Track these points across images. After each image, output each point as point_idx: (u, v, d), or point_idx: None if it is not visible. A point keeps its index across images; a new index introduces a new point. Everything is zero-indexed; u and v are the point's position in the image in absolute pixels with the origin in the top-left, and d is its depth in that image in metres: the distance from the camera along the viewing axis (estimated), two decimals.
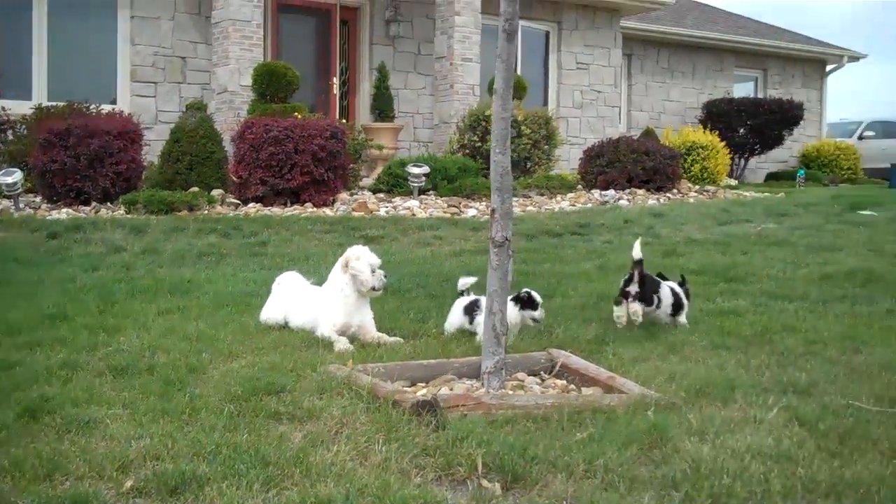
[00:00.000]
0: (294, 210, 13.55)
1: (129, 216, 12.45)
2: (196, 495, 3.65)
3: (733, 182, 22.07)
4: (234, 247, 10.80)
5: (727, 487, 3.73)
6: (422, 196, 15.19)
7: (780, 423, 4.61)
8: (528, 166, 17.93)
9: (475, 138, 17.72)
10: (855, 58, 30.51)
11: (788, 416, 4.72)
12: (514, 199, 15.39)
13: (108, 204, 13.28)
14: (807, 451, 4.21)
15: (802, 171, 24.37)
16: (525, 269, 9.42)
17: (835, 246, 11.44)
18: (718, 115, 24.65)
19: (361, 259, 6.54)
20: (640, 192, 17.13)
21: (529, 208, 14.94)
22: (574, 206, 15.61)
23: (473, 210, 14.36)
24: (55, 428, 4.43)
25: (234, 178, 14.23)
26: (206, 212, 13.05)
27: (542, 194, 16.45)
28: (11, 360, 5.61)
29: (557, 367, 5.80)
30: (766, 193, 19.07)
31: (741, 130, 24.60)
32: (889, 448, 4.26)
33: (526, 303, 6.49)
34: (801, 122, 25.96)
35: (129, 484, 3.76)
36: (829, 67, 30.72)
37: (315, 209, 13.71)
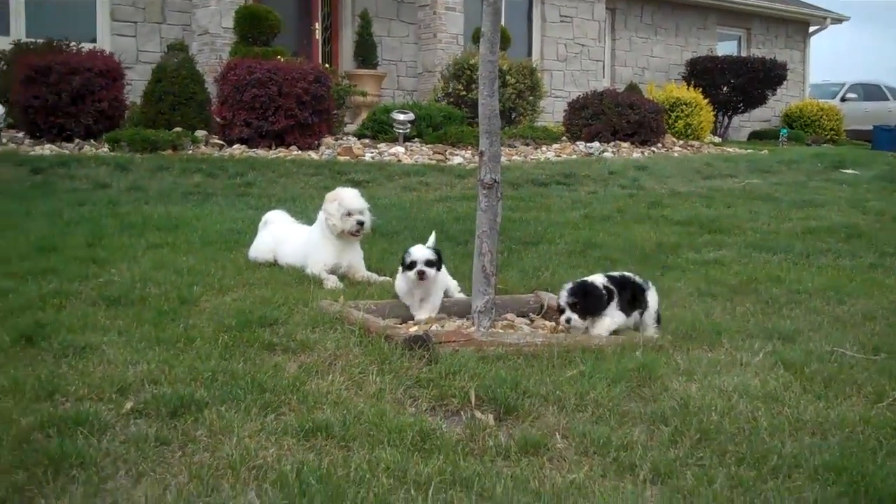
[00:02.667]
0: (279, 153, 13.50)
1: (113, 154, 12.36)
2: (195, 418, 3.70)
3: (717, 139, 22.13)
4: (220, 186, 10.77)
5: (715, 423, 3.81)
6: (407, 143, 15.15)
7: (766, 367, 4.70)
8: (512, 117, 17.92)
9: (459, 87, 17.67)
10: (838, 20, 30.53)
11: (774, 361, 4.80)
12: (501, 148, 15.41)
13: (92, 141, 13.18)
14: (793, 392, 4.30)
15: (785, 130, 24.44)
16: (512, 216, 9.46)
17: (818, 202, 11.56)
18: (702, 73, 24.61)
19: (335, 202, 6.52)
20: (625, 144, 17.16)
21: (515, 158, 14.94)
22: (559, 156, 15.63)
23: (459, 158, 14.35)
24: (52, 352, 4.46)
25: (218, 120, 14.14)
26: (190, 152, 12.97)
27: (527, 144, 16.44)
28: (3, 287, 5.62)
29: (545, 309, 5.86)
30: (750, 150, 19.15)
31: (725, 88, 24.59)
32: (873, 392, 4.35)
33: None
34: (785, 83, 26.01)
35: (128, 406, 3.80)
36: (812, 28, 30.74)
37: (300, 152, 13.67)
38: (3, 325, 4.84)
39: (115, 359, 4.38)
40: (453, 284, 6.07)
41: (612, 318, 5.26)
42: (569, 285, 5.28)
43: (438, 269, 5.60)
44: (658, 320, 5.45)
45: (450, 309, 5.70)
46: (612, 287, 5.30)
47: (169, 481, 3.17)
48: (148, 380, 4.10)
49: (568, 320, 5.22)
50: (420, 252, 5.57)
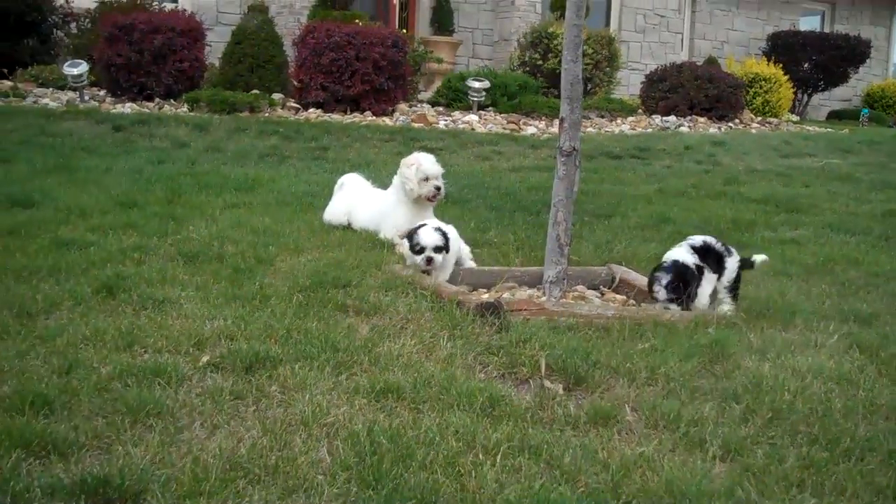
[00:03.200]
0: (354, 118, 13.57)
1: (192, 114, 12.56)
2: (270, 374, 3.77)
3: (795, 118, 21.67)
4: (296, 149, 10.88)
5: (788, 403, 3.77)
6: (481, 111, 15.11)
7: (841, 349, 4.62)
8: (588, 88, 17.73)
9: (536, 56, 17.52)
10: None
11: (849, 343, 4.72)
12: None
13: (171, 101, 13.39)
14: (867, 375, 4.22)
15: (866, 111, 23.82)
16: (585, 189, 9.37)
17: None
18: (783, 48, 24.02)
19: (413, 167, 6.52)
20: (702, 119, 16.91)
21: (589, 130, 14.82)
22: (634, 129, 15.47)
23: (533, 128, 14.28)
24: (131, 304, 4.57)
25: (295, 83, 14.25)
26: (266, 114, 13.12)
27: (602, 116, 16.29)
28: (86, 240, 5.76)
29: (617, 282, 5.83)
30: (830, 129, 18.73)
31: (805, 65, 23.99)
32: None
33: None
34: (868, 61, 25.28)
35: (205, 359, 3.89)
36: None
37: (374, 118, 13.72)
38: (86, 277, 4.97)
39: (193, 313, 4.47)
40: (466, 251, 6.04)
41: (707, 286, 5.25)
42: (664, 280, 5.15)
43: (447, 251, 5.54)
44: (735, 292, 5.35)
45: (520, 278, 5.70)
46: (700, 264, 5.24)
47: (242, 434, 3.24)
48: (224, 335, 4.18)
49: (667, 307, 5.14)
50: (429, 237, 5.49)
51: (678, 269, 5.19)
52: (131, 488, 2.80)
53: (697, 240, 5.42)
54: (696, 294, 5.20)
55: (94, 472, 2.86)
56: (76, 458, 3.01)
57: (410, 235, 5.57)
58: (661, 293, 5.16)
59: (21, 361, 3.76)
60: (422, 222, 5.78)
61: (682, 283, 5.14)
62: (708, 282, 5.27)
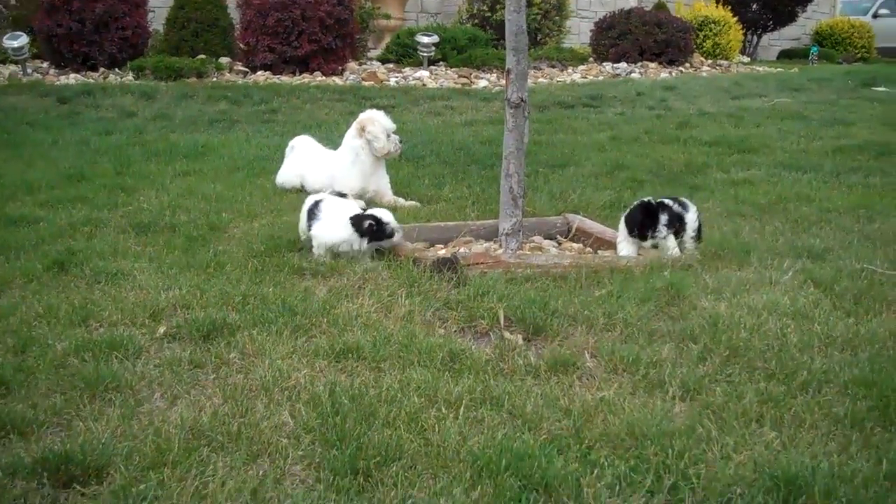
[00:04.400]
0: (303, 78, 13.43)
1: (137, 82, 12.37)
2: (228, 341, 3.75)
3: (745, 59, 21.76)
4: (245, 113, 10.76)
5: (744, 341, 3.81)
6: (431, 66, 15.02)
7: (795, 285, 4.68)
8: (538, 38, 17.67)
9: (484, 8, 17.42)
10: None
11: (804, 279, 4.78)
12: None
13: (116, 70, 13.17)
14: (822, 309, 4.28)
15: (816, 48, 23.98)
16: (538, 140, 9.39)
17: (848, 120, 11.39)
18: None
19: (376, 123, 6.51)
20: (653, 65, 16.94)
21: (541, 80, 14.79)
22: (585, 78, 15.46)
23: (484, 81, 14.22)
24: (84, 279, 4.52)
25: (242, 46, 14.06)
26: (214, 79, 12.95)
27: (553, 66, 16.26)
28: (35, 215, 5.68)
29: (573, 231, 5.84)
30: (780, 69, 18.85)
31: (754, 6, 24.07)
32: None
33: (374, 233, 5.02)
34: None
35: (162, 330, 3.86)
36: None
37: (324, 78, 13.59)
38: (36, 253, 4.90)
39: (147, 284, 4.43)
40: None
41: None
42: (664, 218, 5.19)
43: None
44: (699, 238, 5.38)
45: (477, 232, 5.69)
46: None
47: (203, 403, 3.22)
48: (180, 304, 4.15)
49: (655, 246, 5.21)
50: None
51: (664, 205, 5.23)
52: (93, 463, 2.77)
53: (654, 201, 5.41)
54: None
55: (54, 450, 2.83)
56: (36, 437, 2.98)
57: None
58: (663, 231, 5.17)
59: None
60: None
61: (678, 218, 5.20)
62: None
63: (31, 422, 3.04)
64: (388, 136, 6.50)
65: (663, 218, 5.20)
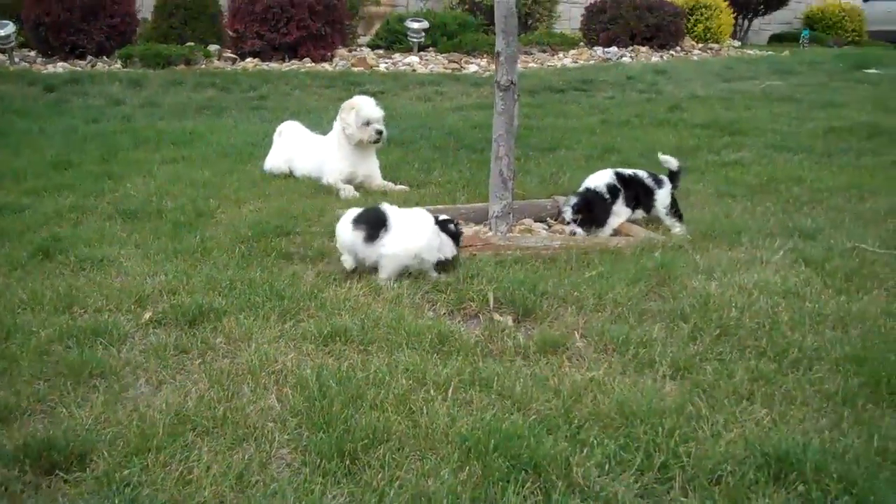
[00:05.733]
0: (292, 65, 13.36)
1: (126, 70, 12.29)
2: (214, 326, 3.71)
3: (737, 43, 21.71)
4: (234, 100, 10.70)
5: (735, 319, 3.78)
6: (421, 52, 14.95)
7: (786, 264, 4.66)
8: (529, 23, 17.62)
9: None
10: None
11: (795, 258, 4.75)
12: None
13: (104, 58, 13.09)
14: (813, 288, 4.26)
15: (807, 32, 23.93)
16: (529, 124, 9.35)
17: (839, 102, 11.36)
18: None
19: (353, 111, 6.44)
20: (643, 49, 16.89)
21: (531, 65, 14.73)
22: (576, 62, 15.40)
23: (474, 66, 14.16)
24: (69, 266, 4.47)
25: (230, 33, 13.98)
26: (203, 66, 12.87)
27: (543, 51, 16.20)
28: (21, 203, 5.63)
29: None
30: (770, 53, 18.81)
31: None
32: (894, 286, 4.31)
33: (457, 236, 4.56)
34: None
35: (147, 315, 3.81)
36: None
37: (313, 64, 13.52)
38: (21, 241, 4.85)
39: (133, 271, 4.39)
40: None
41: (618, 216, 5.40)
42: (573, 201, 5.34)
43: None
44: (678, 214, 5.41)
45: (467, 215, 5.65)
46: (617, 186, 5.41)
47: (189, 388, 3.18)
48: (166, 290, 4.11)
49: (573, 233, 5.26)
50: None
51: (587, 196, 5.37)
52: (76, 449, 2.74)
53: (628, 172, 5.57)
54: (604, 223, 5.37)
55: (37, 436, 2.79)
56: (19, 424, 2.94)
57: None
58: (568, 214, 5.32)
59: None
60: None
61: (589, 207, 5.31)
62: (618, 216, 5.42)
63: (13, 409, 3.01)
64: (368, 123, 6.42)
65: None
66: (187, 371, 3.35)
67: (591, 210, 5.31)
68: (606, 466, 2.64)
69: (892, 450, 2.75)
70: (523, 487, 2.54)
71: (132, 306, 3.94)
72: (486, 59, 14.43)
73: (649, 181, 5.49)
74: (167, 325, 3.75)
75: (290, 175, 6.78)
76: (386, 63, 14.08)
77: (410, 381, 3.19)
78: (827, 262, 4.66)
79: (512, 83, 5.21)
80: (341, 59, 14.00)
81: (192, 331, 3.69)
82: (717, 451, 2.71)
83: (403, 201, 5.93)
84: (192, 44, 13.44)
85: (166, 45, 13.14)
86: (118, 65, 12.69)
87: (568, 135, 8.84)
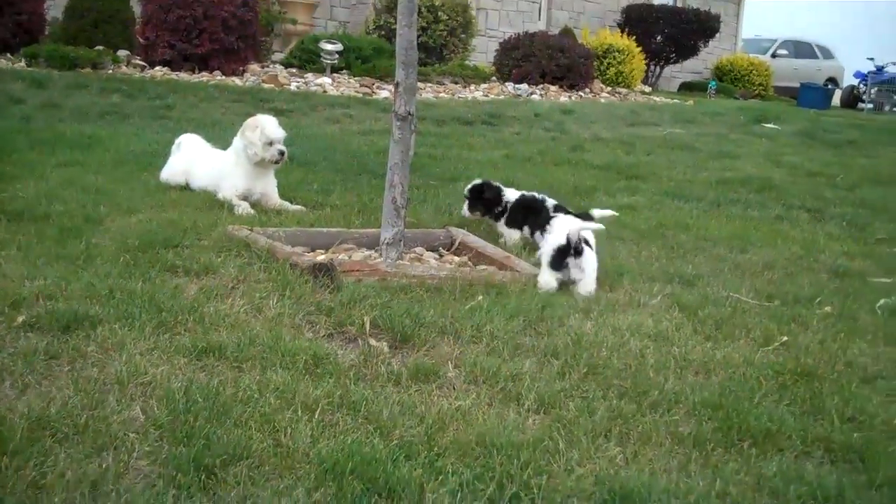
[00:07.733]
0: (202, 77, 13.27)
1: (29, 69, 12.04)
2: (88, 334, 3.68)
3: (647, 89, 22.28)
4: (139, 108, 10.57)
5: (604, 359, 3.91)
6: (334, 74, 15.00)
7: (662, 308, 4.82)
8: (443, 54, 17.82)
9: (391, 20, 17.42)
10: None
11: (671, 303, 4.92)
12: (428, 84, 15.34)
13: (8, 55, 12.80)
14: (683, 333, 4.42)
15: (714, 83, 24.70)
16: (434, 154, 9.47)
17: (736, 154, 11.78)
18: (637, 21, 24.60)
19: (258, 129, 6.45)
20: (553, 88, 17.20)
21: (442, 95, 14.89)
22: (487, 96, 15.62)
23: (386, 92, 14.24)
24: None
25: (141, 40, 13.82)
26: (110, 71, 12.70)
27: (456, 83, 16.39)
28: None
29: (456, 245, 5.90)
30: (676, 101, 19.35)
31: (658, 38, 24.65)
32: (761, 336, 4.49)
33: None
34: (718, 35, 26.19)
35: (20, 319, 3.76)
36: None
37: (224, 78, 13.45)
38: None
39: (12, 273, 4.31)
40: None
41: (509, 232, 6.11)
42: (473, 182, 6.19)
43: None
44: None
45: (359, 240, 5.70)
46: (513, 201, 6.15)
47: (54, 394, 3.15)
48: (43, 295, 4.06)
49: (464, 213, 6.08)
50: None
51: (486, 182, 6.20)
52: None
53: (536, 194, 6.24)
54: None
55: None
56: None
57: None
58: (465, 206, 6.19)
59: None
60: None
61: (481, 191, 6.13)
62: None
63: None
64: (271, 143, 6.43)
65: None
66: (54, 377, 3.31)
67: (483, 194, 6.12)
68: (459, 494, 2.71)
69: (733, 493, 2.89)
70: None
71: (6, 308, 3.87)
72: None
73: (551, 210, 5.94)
74: (40, 330, 3.70)
75: (186, 187, 6.73)
76: (298, 82, 14.08)
77: (279, 401, 3.22)
78: (700, 308, 4.83)
79: (409, 114, 5.29)
80: (253, 75, 13.96)
81: (64, 337, 3.65)
82: (568, 485, 2.80)
83: (298, 222, 5.97)
84: (102, 48, 13.23)
85: (74, 46, 12.91)
86: (22, 63, 12.43)
87: (471, 167, 8.96)
